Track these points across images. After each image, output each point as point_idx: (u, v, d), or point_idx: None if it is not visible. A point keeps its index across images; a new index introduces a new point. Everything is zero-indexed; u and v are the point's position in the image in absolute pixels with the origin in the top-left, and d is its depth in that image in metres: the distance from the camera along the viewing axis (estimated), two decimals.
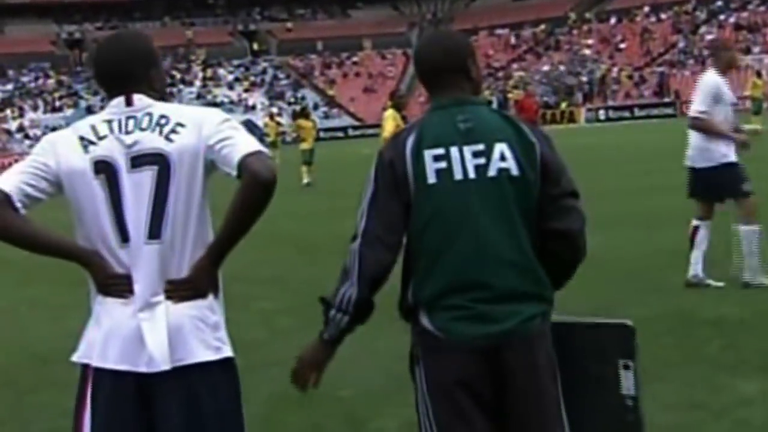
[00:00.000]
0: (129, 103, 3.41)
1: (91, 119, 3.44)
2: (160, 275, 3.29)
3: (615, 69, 73.26)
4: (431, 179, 3.33)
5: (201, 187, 3.33)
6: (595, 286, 9.64)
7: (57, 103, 78.37)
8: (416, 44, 3.66)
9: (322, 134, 67.83)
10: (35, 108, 77.65)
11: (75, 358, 3.42)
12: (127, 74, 3.42)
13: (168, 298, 3.29)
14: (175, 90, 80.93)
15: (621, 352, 3.51)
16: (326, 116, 77.46)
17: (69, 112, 77.06)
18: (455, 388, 3.31)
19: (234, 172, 3.24)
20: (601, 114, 65.76)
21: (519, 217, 3.33)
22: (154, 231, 3.27)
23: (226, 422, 3.34)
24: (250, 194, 3.20)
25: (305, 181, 27.72)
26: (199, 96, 79.37)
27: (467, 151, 3.33)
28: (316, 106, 79.00)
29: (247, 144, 3.29)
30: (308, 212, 19.37)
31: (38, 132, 72.66)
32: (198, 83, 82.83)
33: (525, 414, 3.33)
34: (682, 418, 5.76)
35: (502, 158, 3.33)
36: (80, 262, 3.38)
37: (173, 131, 3.33)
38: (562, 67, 76.30)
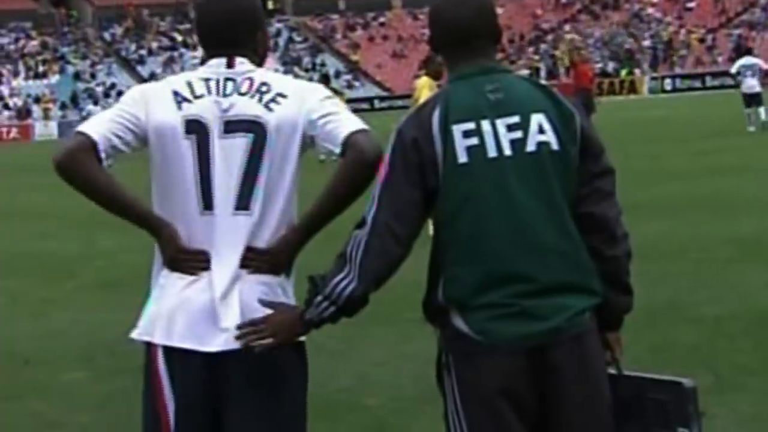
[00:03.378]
0: (230, 65, 3.59)
1: (188, 75, 3.62)
2: (242, 250, 3.46)
3: (683, 31, 72.81)
4: (462, 158, 3.31)
5: (295, 162, 3.54)
6: (659, 280, 9.59)
7: (41, 69, 78.80)
8: (435, 2, 3.58)
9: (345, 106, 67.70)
10: (15, 74, 78.11)
11: (135, 335, 3.55)
12: (231, 37, 3.60)
13: (242, 266, 3.46)
14: (176, 54, 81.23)
15: (677, 416, 3.40)
16: (349, 85, 77.45)
17: (54, 78, 77.50)
18: (496, 398, 3.29)
19: (338, 149, 3.47)
20: (667, 83, 65.51)
21: (562, 198, 3.33)
22: (243, 202, 3.45)
23: (295, 410, 3.64)
24: (355, 172, 3.44)
25: (322, 157, 27.75)
26: (203, 61, 79.45)
27: (501, 124, 3.32)
28: (337, 74, 79.02)
29: (354, 121, 3.52)
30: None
31: (19, 102, 73.12)
32: None
33: (576, 422, 3.31)
34: None
35: (541, 131, 3.33)
36: (151, 230, 3.53)
37: (274, 100, 3.52)
38: (621, 30, 75.93)
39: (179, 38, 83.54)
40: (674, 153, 22.86)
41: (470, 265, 3.31)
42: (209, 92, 3.53)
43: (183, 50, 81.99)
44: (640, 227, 12.67)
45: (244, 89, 3.53)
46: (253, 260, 3.48)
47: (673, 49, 71.20)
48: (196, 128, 3.48)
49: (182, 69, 79.26)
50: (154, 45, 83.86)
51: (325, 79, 32.67)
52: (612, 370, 3.47)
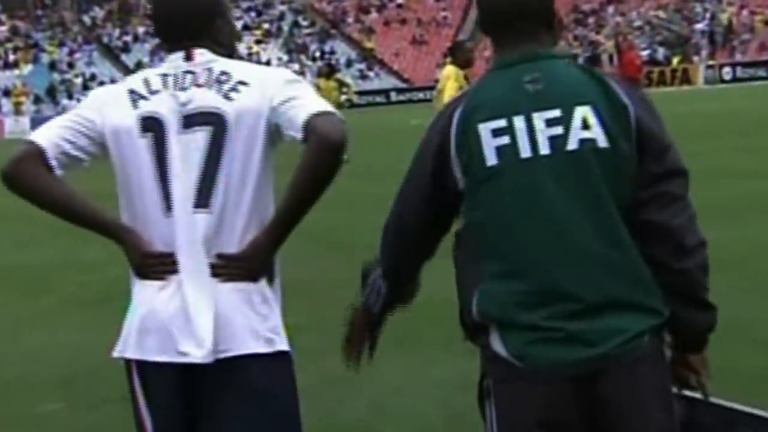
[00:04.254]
0: (189, 57, 3.78)
1: (145, 72, 3.83)
2: (207, 251, 3.62)
3: (745, 12, 72.71)
4: (491, 160, 3.31)
5: (261, 154, 3.67)
6: (725, 295, 9.55)
7: (11, 57, 79.05)
8: None
9: (357, 99, 67.98)
10: None
11: (115, 353, 3.74)
12: (187, 27, 3.79)
13: (214, 275, 3.62)
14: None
15: None
16: (363, 76, 77.59)
17: (27, 68, 77.71)
18: (535, 430, 3.29)
19: (299, 135, 3.57)
20: (726, 72, 65.40)
21: (611, 202, 3.28)
22: (203, 199, 3.62)
23: (281, 426, 3.76)
24: (318, 158, 3.53)
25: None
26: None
27: (538, 119, 3.31)
28: (349, 63, 79.18)
29: (316, 103, 3.62)
30: (341, 199, 19.30)
31: None
32: None
33: None
34: None
35: (585, 126, 3.29)
36: (113, 237, 3.74)
37: (234, 89, 3.68)
38: (672, 12, 75.85)
39: None
40: (734, 150, 22.80)
41: (505, 282, 3.31)
42: (166, 87, 3.72)
43: None
44: None
45: (202, 80, 3.71)
46: (224, 267, 3.62)
47: (734, 33, 71.10)
48: (152, 126, 3.67)
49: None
50: (141, 30, 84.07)
51: (329, 70, 32.50)
52: (696, 395, 3.45)
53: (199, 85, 3.70)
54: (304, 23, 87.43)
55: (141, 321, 3.65)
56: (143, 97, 3.71)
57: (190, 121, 3.66)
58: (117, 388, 7.81)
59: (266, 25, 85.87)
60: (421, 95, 67.65)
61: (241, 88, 3.67)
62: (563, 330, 3.23)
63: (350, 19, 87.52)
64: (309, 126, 3.54)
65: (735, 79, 64.01)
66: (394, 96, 73.45)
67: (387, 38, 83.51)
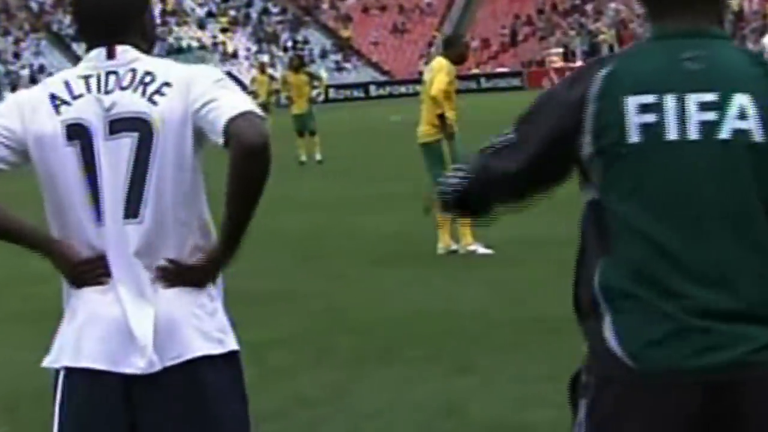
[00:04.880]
0: (111, 55, 3.83)
1: (65, 74, 3.88)
2: (141, 261, 3.73)
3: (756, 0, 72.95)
4: (633, 137, 3.23)
5: (191, 159, 3.76)
6: None
7: None
8: None
9: (332, 93, 67.94)
10: None
11: (46, 363, 3.82)
12: (111, 21, 3.85)
13: (165, 281, 3.75)
14: None
15: None
16: (339, 68, 77.58)
17: None
18: None
19: (221, 140, 3.64)
20: None
21: (758, 202, 3.19)
22: (132, 209, 3.72)
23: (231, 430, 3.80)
24: (242, 166, 3.60)
25: (302, 158, 27.84)
26: (157, 37, 79.63)
27: (691, 100, 3.21)
28: (324, 54, 79.17)
29: (234, 104, 3.66)
30: (315, 202, 19.36)
31: None
32: (156, 21, 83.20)
33: None
34: None
35: (742, 115, 3.18)
36: (41, 249, 3.83)
37: (158, 92, 3.75)
38: None
39: None
40: None
41: (634, 263, 3.21)
42: (89, 90, 3.78)
43: None
44: None
45: (126, 82, 3.78)
46: (176, 275, 3.75)
47: (744, 21, 71.33)
48: (78, 133, 3.74)
49: None
50: None
51: (299, 62, 32.41)
52: None
53: (123, 88, 3.78)
54: (275, 10, 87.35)
55: (79, 326, 3.75)
56: (66, 102, 3.77)
57: (117, 126, 3.74)
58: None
59: (233, 12, 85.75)
60: (402, 89, 67.65)
61: (165, 90, 3.75)
62: (689, 329, 3.13)
63: (325, 6, 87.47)
64: (229, 130, 3.60)
65: None
66: (373, 90, 73.38)
67: (365, 27, 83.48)
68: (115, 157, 3.72)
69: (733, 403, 3.12)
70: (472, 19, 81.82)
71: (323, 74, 53.65)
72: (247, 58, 75.87)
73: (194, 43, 79.12)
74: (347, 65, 79.31)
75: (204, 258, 3.78)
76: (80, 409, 3.71)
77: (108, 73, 3.80)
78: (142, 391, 3.68)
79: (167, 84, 3.76)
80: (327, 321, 10.41)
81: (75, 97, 3.77)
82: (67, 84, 3.81)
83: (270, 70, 46.59)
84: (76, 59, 77.53)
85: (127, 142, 3.72)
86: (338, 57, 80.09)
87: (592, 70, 3.32)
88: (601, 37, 69.52)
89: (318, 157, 28.38)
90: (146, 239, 3.72)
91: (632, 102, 3.23)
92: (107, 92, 3.77)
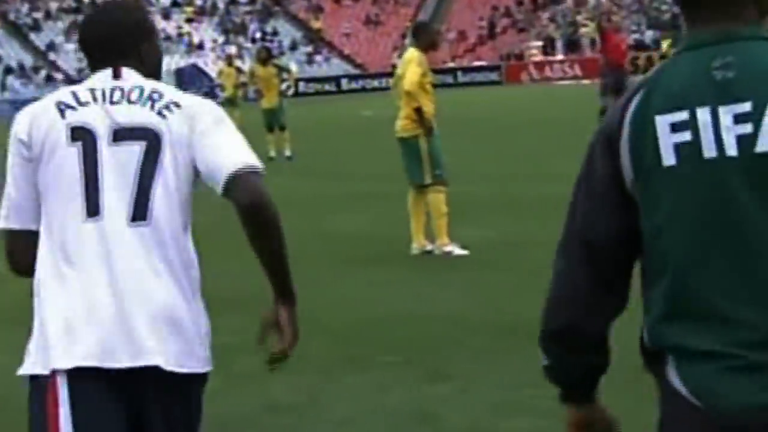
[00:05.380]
0: (117, 76, 4.27)
1: (73, 87, 4.29)
2: (146, 261, 4.06)
3: None
4: (669, 160, 3.11)
5: (190, 169, 4.16)
6: None
7: None
8: None
9: (302, 86, 67.88)
10: None
11: (23, 371, 4.06)
12: (115, 48, 4.31)
13: (271, 368, 4.50)
14: (82, 19, 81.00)
15: None
16: (309, 61, 77.51)
17: None
18: None
19: (219, 189, 4.09)
20: None
21: None
22: (140, 213, 4.07)
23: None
24: (254, 228, 4.12)
25: (271, 153, 27.81)
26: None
27: (725, 113, 3.08)
28: (294, 46, 79.08)
29: (235, 155, 4.13)
30: (284, 201, 19.27)
31: None
32: None
33: None
34: None
35: None
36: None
37: (167, 108, 4.17)
38: None
39: None
40: None
41: (681, 304, 3.13)
42: (95, 100, 4.20)
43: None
44: None
45: (134, 97, 4.20)
46: (280, 360, 4.56)
47: None
48: (81, 135, 4.13)
49: None
50: (53, 6, 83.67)
51: (266, 54, 32.16)
52: None
53: (130, 102, 4.17)
54: (243, 0, 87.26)
55: (67, 326, 3.99)
56: (71, 107, 4.16)
57: (123, 134, 4.12)
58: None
59: (199, 2, 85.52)
60: (375, 83, 67.70)
61: (173, 108, 4.17)
62: (747, 359, 3.03)
63: None
64: (229, 187, 4.06)
65: None
66: (345, 84, 73.34)
67: (337, 18, 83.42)
68: (120, 162, 4.09)
69: None
70: (449, 10, 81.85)
71: (293, 67, 53.51)
72: (213, 49, 75.73)
73: (160, 34, 78.85)
74: (318, 58, 79.24)
75: (284, 324, 4.46)
76: (86, 408, 3.99)
77: (114, 89, 4.21)
78: (137, 385, 4.02)
79: (176, 104, 4.18)
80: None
81: (81, 104, 4.16)
82: (74, 93, 4.21)
83: (237, 62, 46.53)
84: (33, 49, 77.44)
85: (135, 149, 4.10)
86: (309, 49, 80.00)
87: (628, 96, 3.22)
88: (583, 30, 69.64)
89: (287, 153, 28.32)
90: (152, 240, 4.07)
91: (663, 121, 3.12)
92: (113, 103, 4.17)
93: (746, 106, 3.05)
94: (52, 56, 77.44)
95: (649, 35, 70.66)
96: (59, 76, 74.03)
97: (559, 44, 72.85)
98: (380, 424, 7.49)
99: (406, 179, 13.83)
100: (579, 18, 73.64)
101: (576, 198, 3.33)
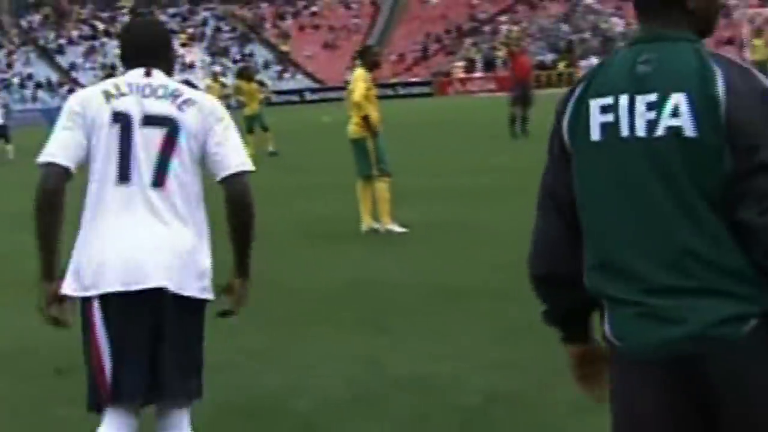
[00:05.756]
0: (148, 74, 4.65)
1: (114, 80, 4.71)
2: (161, 216, 4.48)
3: (622, 22, 73.53)
4: (595, 135, 3.11)
5: (198, 152, 4.56)
6: None
7: None
8: None
9: (273, 98, 67.66)
10: None
11: (67, 290, 4.52)
12: (149, 53, 4.72)
13: (223, 315, 4.74)
14: (97, 43, 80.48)
15: None
16: (279, 77, 77.20)
17: None
18: (644, 419, 3.04)
19: (217, 178, 4.57)
20: None
21: (695, 193, 2.97)
22: (159, 180, 4.48)
23: (193, 347, 4.60)
24: (236, 220, 4.59)
25: (249, 151, 27.67)
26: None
27: (640, 101, 3.06)
28: (267, 65, 78.76)
29: (236, 158, 4.59)
30: (265, 189, 19.26)
31: None
32: None
33: None
34: None
35: (675, 113, 3.01)
36: (42, 275, 4.56)
37: (185, 103, 4.58)
38: (560, 22, 76.46)
39: (101, 27, 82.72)
40: None
41: (600, 260, 3.10)
42: (131, 91, 4.58)
43: (105, 39, 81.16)
44: None
45: (160, 93, 4.59)
46: (231, 312, 4.80)
47: (612, 40, 71.83)
48: (120, 119, 4.51)
49: (104, 58, 78.60)
50: (75, 34, 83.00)
51: (250, 73, 32.12)
52: None
53: (158, 97, 4.57)
54: (226, 28, 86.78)
55: (98, 260, 4.43)
56: (113, 96, 4.56)
57: (148, 120, 4.52)
58: (48, 364, 7.76)
59: (191, 30, 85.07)
60: (332, 95, 67.33)
61: (190, 104, 4.57)
62: (646, 305, 2.99)
63: (268, 25, 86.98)
64: (227, 183, 4.55)
65: None
66: (308, 95, 73.07)
67: (301, 42, 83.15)
68: (147, 141, 4.49)
69: (702, 374, 2.95)
70: (391, 37, 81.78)
71: (269, 82, 53.42)
72: (202, 68, 75.19)
73: None
74: (286, 75, 78.95)
75: (237, 293, 4.74)
76: (115, 323, 4.47)
77: (145, 85, 4.59)
78: (155, 302, 4.43)
79: (192, 101, 4.59)
80: (267, 289, 10.38)
81: (121, 94, 4.56)
82: (116, 85, 4.62)
83: (222, 79, 46.30)
84: (58, 68, 76.78)
85: (158, 132, 4.51)
86: (279, 68, 79.71)
87: (575, 85, 3.25)
88: (497, 52, 69.59)
89: (271, 149, 28.17)
90: (166, 201, 4.49)
91: (594, 104, 3.13)
92: (144, 96, 4.56)
93: (653, 97, 3.04)
94: (73, 74, 76.80)
95: (549, 57, 70.77)
96: (79, 89, 73.64)
97: (479, 64, 72.85)
98: (335, 369, 7.46)
99: (356, 172, 13.81)
100: (494, 43, 73.62)
101: (546, 161, 3.30)
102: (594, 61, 31.59)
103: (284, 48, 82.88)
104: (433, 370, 7.27)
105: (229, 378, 7.13)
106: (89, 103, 4.56)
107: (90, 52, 79.18)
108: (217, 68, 66.49)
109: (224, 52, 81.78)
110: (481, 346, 7.77)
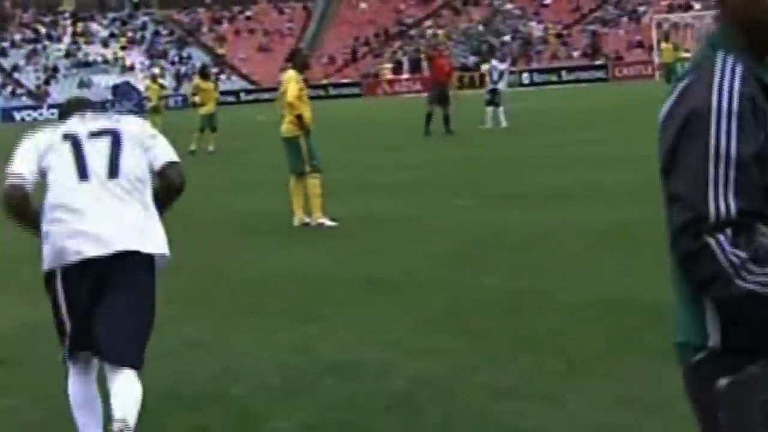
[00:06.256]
0: (83, 115, 5.70)
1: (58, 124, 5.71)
2: (119, 198, 5.38)
3: (541, 27, 73.97)
4: None
5: (141, 152, 5.57)
6: (519, 269, 9.77)
7: None
8: None
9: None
10: None
11: (43, 268, 5.41)
12: (84, 107, 5.87)
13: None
14: (39, 46, 79.48)
15: None
16: (216, 79, 76.74)
17: None
18: None
19: (156, 168, 5.59)
20: (525, 77, 66.42)
21: None
22: (113, 173, 5.42)
23: (139, 290, 5.44)
24: (167, 198, 5.68)
25: (192, 147, 27.46)
26: (68, 54, 77.89)
27: None
28: (204, 68, 78.30)
29: (166, 153, 5.68)
30: (197, 185, 19.18)
31: None
32: (67, 39, 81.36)
33: None
34: (613, 415, 5.86)
35: None
36: None
37: (119, 120, 5.73)
38: (480, 27, 76.77)
39: (43, 30, 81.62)
40: (529, 145, 23.17)
41: None
42: (75, 122, 5.65)
43: (47, 42, 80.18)
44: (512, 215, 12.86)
45: (97, 118, 5.73)
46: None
47: (531, 44, 72.24)
48: (69, 137, 5.52)
49: (46, 60, 77.67)
50: (17, 37, 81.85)
51: (207, 71, 32.01)
52: None
53: (96, 120, 5.67)
54: (164, 32, 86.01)
55: (61, 240, 5.28)
56: (61, 127, 5.62)
57: (95, 134, 5.53)
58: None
59: (130, 33, 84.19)
60: (266, 95, 67.00)
61: (121, 120, 5.75)
62: None
63: (205, 29, 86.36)
64: (163, 170, 5.61)
65: (532, 83, 64.93)
66: (243, 96, 72.68)
67: (237, 46, 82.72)
68: (97, 148, 5.47)
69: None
70: (322, 40, 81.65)
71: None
72: (141, 70, 74.47)
73: (99, 59, 77.54)
74: (222, 77, 78.51)
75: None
76: (71, 285, 5.31)
77: (83, 117, 5.69)
78: (103, 265, 5.25)
79: (123, 119, 5.79)
80: (205, 281, 10.35)
81: (66, 125, 5.61)
82: (62, 122, 5.68)
83: (160, 80, 45.92)
84: (1, 70, 75.68)
85: (105, 139, 5.51)
86: (216, 69, 79.28)
87: (733, 63, 2.69)
88: (423, 55, 69.72)
89: (211, 148, 27.92)
90: (121, 187, 5.40)
91: None
92: (85, 121, 5.64)
93: None
94: (16, 75, 75.78)
95: (471, 60, 71.01)
96: (22, 90, 72.66)
97: (405, 66, 72.92)
98: (269, 356, 7.46)
99: (289, 169, 13.76)
100: (420, 47, 73.74)
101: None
102: (494, 63, 31.85)
103: (221, 51, 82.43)
104: (362, 357, 7.29)
105: (171, 366, 7.11)
106: (39, 136, 5.59)
107: (32, 55, 78.12)
108: (156, 70, 65.80)
109: (163, 54, 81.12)
110: (408, 335, 7.80)
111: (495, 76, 30.73)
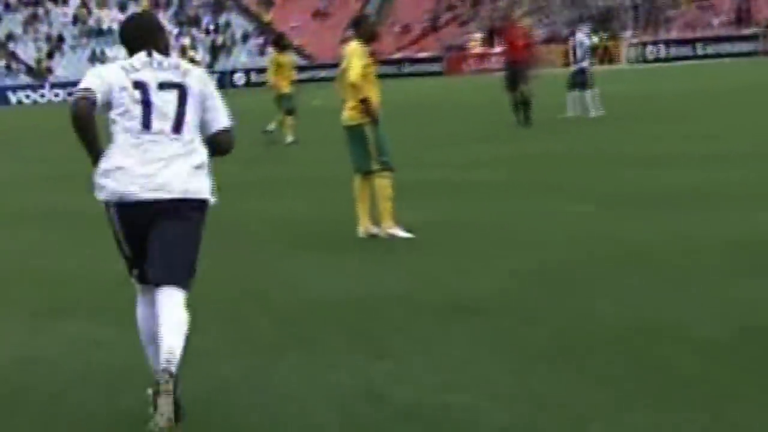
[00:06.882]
0: (150, 55, 7.20)
1: (127, 60, 7.24)
2: (178, 154, 7.05)
3: None
4: None
5: (201, 109, 7.21)
6: (643, 291, 9.67)
7: None
8: None
9: (254, 77, 67.62)
10: None
11: (96, 196, 7.10)
12: (149, 39, 7.29)
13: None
14: (41, 11, 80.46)
15: None
16: (260, 52, 77.27)
17: None
18: None
19: (210, 132, 7.26)
20: (650, 51, 66.06)
21: None
22: (177, 130, 7.06)
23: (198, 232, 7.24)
24: (220, 155, 7.32)
25: (290, 138, 27.60)
26: (76, 20, 78.83)
27: None
28: (245, 37, 78.85)
29: (224, 118, 7.32)
30: (234, 185, 19.30)
31: None
32: (75, 2, 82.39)
33: None
34: None
35: None
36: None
37: (185, 73, 7.22)
38: None
39: None
40: (656, 136, 22.99)
41: None
42: (144, 67, 7.15)
43: (49, 5, 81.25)
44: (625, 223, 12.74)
45: (165, 66, 7.20)
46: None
47: (658, 8, 71.86)
48: (139, 86, 7.05)
49: (49, 27, 78.61)
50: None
51: (285, 41, 32.11)
52: None
53: (164, 69, 7.17)
54: None
55: (120, 179, 6.94)
56: (131, 71, 7.11)
57: (163, 86, 7.08)
58: None
59: None
60: (323, 73, 67.59)
61: (188, 73, 7.23)
62: None
63: None
64: (218, 135, 7.29)
65: (659, 59, 64.55)
66: (294, 74, 73.19)
67: (286, 11, 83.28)
68: (164, 101, 7.05)
69: None
70: (394, 4, 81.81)
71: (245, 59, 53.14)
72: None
73: (115, 26, 78.37)
74: (268, 49, 79.05)
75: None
76: (127, 217, 6.99)
77: (151, 62, 7.17)
78: (155, 206, 6.95)
79: (188, 72, 7.24)
80: (246, 306, 10.36)
81: (136, 70, 7.12)
82: (130, 63, 7.16)
83: (191, 52, 46.35)
84: None
85: (172, 94, 7.09)
86: (260, 41, 79.76)
87: None
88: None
89: (290, 138, 28.06)
90: (182, 144, 7.07)
91: None
92: (153, 69, 7.14)
93: None
94: (11, 47, 76.78)
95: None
96: (18, 66, 73.45)
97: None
98: (327, 401, 7.43)
99: (350, 165, 13.73)
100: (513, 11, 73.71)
101: None
102: (580, 36, 31.69)
103: (266, 17, 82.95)
104: (445, 402, 7.24)
105: (205, 411, 7.12)
106: (107, 72, 7.10)
107: (32, 20, 79.22)
108: (186, 41, 66.50)
109: (194, 21, 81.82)
110: (503, 375, 7.74)
111: (579, 54, 30.58)
